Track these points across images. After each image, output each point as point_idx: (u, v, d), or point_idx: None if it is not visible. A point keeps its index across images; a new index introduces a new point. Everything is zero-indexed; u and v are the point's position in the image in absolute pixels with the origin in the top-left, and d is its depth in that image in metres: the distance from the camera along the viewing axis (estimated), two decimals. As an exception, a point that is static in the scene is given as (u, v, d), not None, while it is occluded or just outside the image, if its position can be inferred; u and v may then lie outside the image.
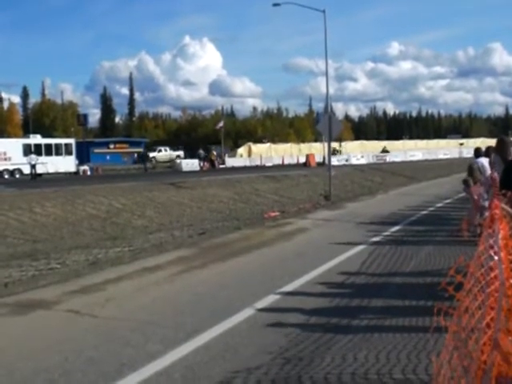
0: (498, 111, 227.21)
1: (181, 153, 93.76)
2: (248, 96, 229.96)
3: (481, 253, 4.85)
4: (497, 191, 11.75)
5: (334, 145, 68.44)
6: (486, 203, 13.91)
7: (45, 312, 8.65)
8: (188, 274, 11.16)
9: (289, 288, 9.70)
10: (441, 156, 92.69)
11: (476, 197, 15.33)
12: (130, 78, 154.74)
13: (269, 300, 8.93)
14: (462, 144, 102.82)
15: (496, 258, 4.89)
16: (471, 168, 15.89)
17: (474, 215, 15.30)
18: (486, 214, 6.17)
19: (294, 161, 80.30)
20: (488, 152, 15.89)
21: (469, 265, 4.72)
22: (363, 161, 76.97)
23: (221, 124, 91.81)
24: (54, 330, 7.82)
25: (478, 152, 16.55)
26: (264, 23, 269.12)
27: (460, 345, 4.58)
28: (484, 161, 15.52)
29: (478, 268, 4.74)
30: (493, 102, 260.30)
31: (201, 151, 73.42)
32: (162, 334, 7.39)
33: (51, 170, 57.25)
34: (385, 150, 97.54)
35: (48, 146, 59.79)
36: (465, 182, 16.06)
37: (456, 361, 3.69)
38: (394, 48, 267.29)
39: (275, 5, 38.60)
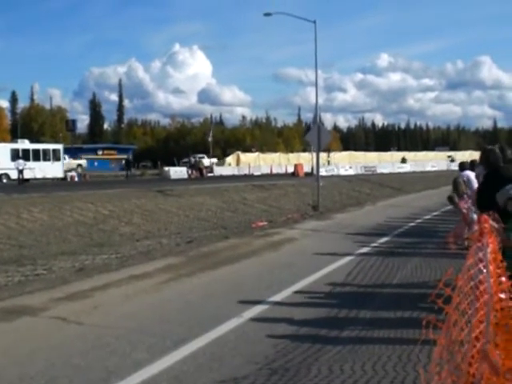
0: (487, 124, 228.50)
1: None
2: (237, 105, 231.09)
3: (469, 266, 4.87)
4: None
5: (323, 155, 68.43)
6: (475, 216, 13.92)
7: (31, 319, 8.59)
8: (175, 283, 11.13)
9: (277, 298, 9.69)
10: (429, 168, 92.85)
11: (464, 211, 15.35)
12: (120, 85, 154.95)
13: (256, 310, 8.92)
14: (449, 157, 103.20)
15: (485, 271, 4.91)
16: (456, 182, 15.87)
17: (463, 228, 15.32)
18: (475, 227, 6.18)
19: (283, 170, 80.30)
20: (473, 165, 15.95)
21: (457, 278, 4.74)
22: (351, 171, 77.04)
23: (210, 136, 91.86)
24: (40, 337, 7.78)
25: (462, 166, 16.60)
26: (255, 32, 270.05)
27: (449, 357, 4.59)
28: (470, 174, 15.55)
29: (466, 281, 4.75)
30: (481, 115, 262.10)
31: (191, 158, 73.47)
32: (149, 343, 7.37)
33: (39, 176, 56.93)
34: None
35: (36, 151, 59.47)
36: (450, 199, 16.02)
37: (445, 374, 3.69)
38: (384, 60, 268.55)
39: (266, 14, 38.60)
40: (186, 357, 6.85)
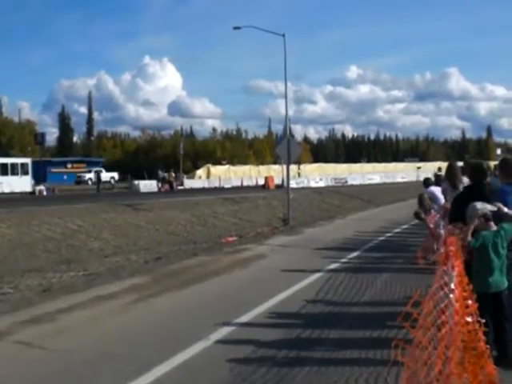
0: (455, 135, 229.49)
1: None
2: (207, 117, 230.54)
3: (435, 290, 4.84)
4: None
5: (293, 167, 68.55)
6: (442, 232, 13.95)
7: (-6, 343, 8.44)
8: (143, 303, 11.00)
9: (245, 318, 9.61)
10: (398, 179, 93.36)
11: (432, 225, 15.39)
12: (89, 97, 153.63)
13: (224, 331, 8.83)
14: (419, 168, 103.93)
15: (451, 296, 4.88)
16: (421, 197, 15.92)
17: (431, 243, 15.35)
18: (442, 249, 6.15)
19: (253, 183, 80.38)
20: (438, 181, 16.00)
21: (423, 302, 4.71)
22: (322, 183, 77.36)
23: (181, 149, 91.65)
24: (2, 363, 7.62)
25: (427, 181, 16.63)
26: (224, 45, 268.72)
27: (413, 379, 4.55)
28: (435, 190, 15.60)
29: (432, 305, 4.72)
30: (450, 126, 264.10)
31: (159, 172, 73.36)
32: (114, 368, 7.26)
33: (6, 190, 56.34)
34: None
35: (3, 166, 58.89)
36: (416, 215, 16.07)
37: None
38: (353, 72, 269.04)
39: (236, 28, 38.77)
40: (150, 382, 6.74)
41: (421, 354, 4.47)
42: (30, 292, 12.34)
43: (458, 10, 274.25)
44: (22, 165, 60.97)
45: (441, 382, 4.48)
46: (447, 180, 12.81)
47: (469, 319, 5.09)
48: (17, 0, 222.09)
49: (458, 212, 7.77)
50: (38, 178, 69.40)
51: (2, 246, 22.90)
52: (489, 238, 6.83)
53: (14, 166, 60.18)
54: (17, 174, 59.36)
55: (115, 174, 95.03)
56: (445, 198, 13.78)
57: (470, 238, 6.87)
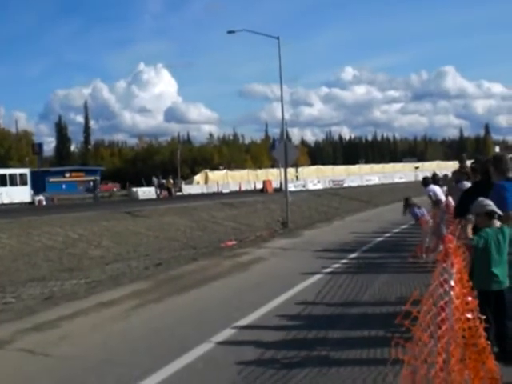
0: (453, 134, 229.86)
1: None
2: (204, 122, 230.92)
3: (435, 287, 4.86)
4: (451, 218, 11.83)
5: (291, 171, 68.51)
6: (444, 231, 14.02)
7: (-2, 352, 8.46)
8: (144, 309, 11.02)
9: (246, 321, 9.65)
10: (397, 180, 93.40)
11: (426, 219, 15.57)
12: (85, 106, 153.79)
13: (226, 334, 8.86)
14: (417, 167, 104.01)
15: (451, 293, 4.90)
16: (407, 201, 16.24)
17: (431, 239, 15.41)
18: (441, 247, 6.19)
19: (251, 187, 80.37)
20: (436, 180, 16.00)
21: (423, 300, 4.73)
22: (320, 186, 77.38)
23: (178, 155, 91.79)
24: (6, 371, 7.65)
25: (427, 181, 16.56)
26: (219, 50, 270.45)
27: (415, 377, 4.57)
28: (435, 188, 15.64)
29: (432, 302, 4.75)
30: (447, 125, 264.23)
31: (154, 179, 73.32)
32: (117, 373, 7.28)
33: (6, 201, 56.39)
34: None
35: (2, 177, 58.96)
36: (406, 201, 16.31)
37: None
38: (348, 73, 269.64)
39: (230, 32, 38.89)
40: (154, 387, 6.78)
41: (421, 351, 4.49)
42: (32, 301, 12.35)
43: (452, 8, 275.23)
44: (21, 175, 61.06)
45: (442, 378, 4.50)
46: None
47: (469, 316, 5.11)
48: (12, 11, 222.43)
49: (466, 206, 7.80)
50: (37, 188, 69.50)
51: (3, 257, 22.87)
52: (492, 236, 6.83)
53: (12, 176, 60.23)
54: (16, 184, 59.42)
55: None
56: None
57: (470, 234, 6.88)
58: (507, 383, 5.72)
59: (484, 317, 5.29)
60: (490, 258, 6.83)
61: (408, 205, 16.41)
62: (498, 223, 6.92)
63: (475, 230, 6.97)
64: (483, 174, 8.99)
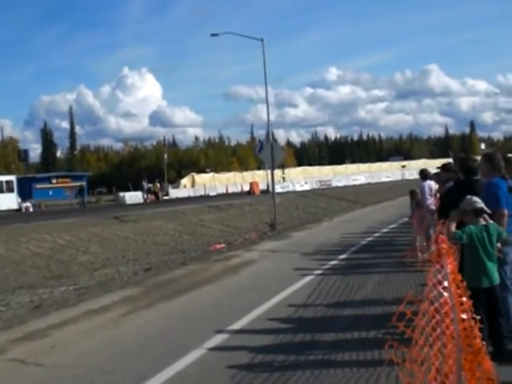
0: (438, 131, 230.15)
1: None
2: (189, 125, 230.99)
3: (430, 289, 4.84)
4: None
5: (278, 172, 68.41)
6: (432, 232, 14.01)
7: (-12, 363, 8.37)
8: (134, 316, 10.93)
9: (237, 325, 9.60)
10: (384, 179, 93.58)
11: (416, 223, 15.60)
12: (70, 112, 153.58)
13: (217, 339, 8.81)
14: (404, 166, 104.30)
15: (446, 294, 4.87)
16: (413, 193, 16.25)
17: (422, 239, 15.38)
18: (433, 247, 6.15)
19: (238, 189, 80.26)
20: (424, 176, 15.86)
21: (416, 300, 4.70)
22: (307, 187, 77.38)
23: (165, 159, 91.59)
24: (-3, 382, 7.58)
25: (426, 174, 15.92)
26: (203, 53, 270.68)
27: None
28: (432, 183, 15.45)
29: (427, 304, 4.72)
30: (432, 123, 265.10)
31: (143, 183, 72.74)
32: (110, 381, 7.24)
33: (-8, 208, 56.14)
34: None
35: (-12, 184, 58.71)
36: (411, 193, 16.44)
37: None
38: (332, 73, 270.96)
39: (213, 35, 38.88)
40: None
41: (417, 354, 4.45)
42: (21, 309, 12.27)
43: (433, 6, 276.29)
44: (7, 182, 60.70)
45: (438, 380, 4.47)
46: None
47: (464, 316, 5.08)
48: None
49: (448, 207, 7.76)
50: (24, 195, 69.12)
51: (-10, 265, 22.77)
52: (476, 232, 6.82)
53: (-2, 183, 59.91)
54: (2, 191, 59.07)
55: None
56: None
57: (453, 229, 6.85)
58: (503, 383, 5.69)
59: (479, 317, 5.27)
60: (477, 256, 6.84)
61: (414, 197, 16.49)
62: (482, 221, 6.90)
63: (461, 228, 6.96)
64: (465, 173, 8.96)
